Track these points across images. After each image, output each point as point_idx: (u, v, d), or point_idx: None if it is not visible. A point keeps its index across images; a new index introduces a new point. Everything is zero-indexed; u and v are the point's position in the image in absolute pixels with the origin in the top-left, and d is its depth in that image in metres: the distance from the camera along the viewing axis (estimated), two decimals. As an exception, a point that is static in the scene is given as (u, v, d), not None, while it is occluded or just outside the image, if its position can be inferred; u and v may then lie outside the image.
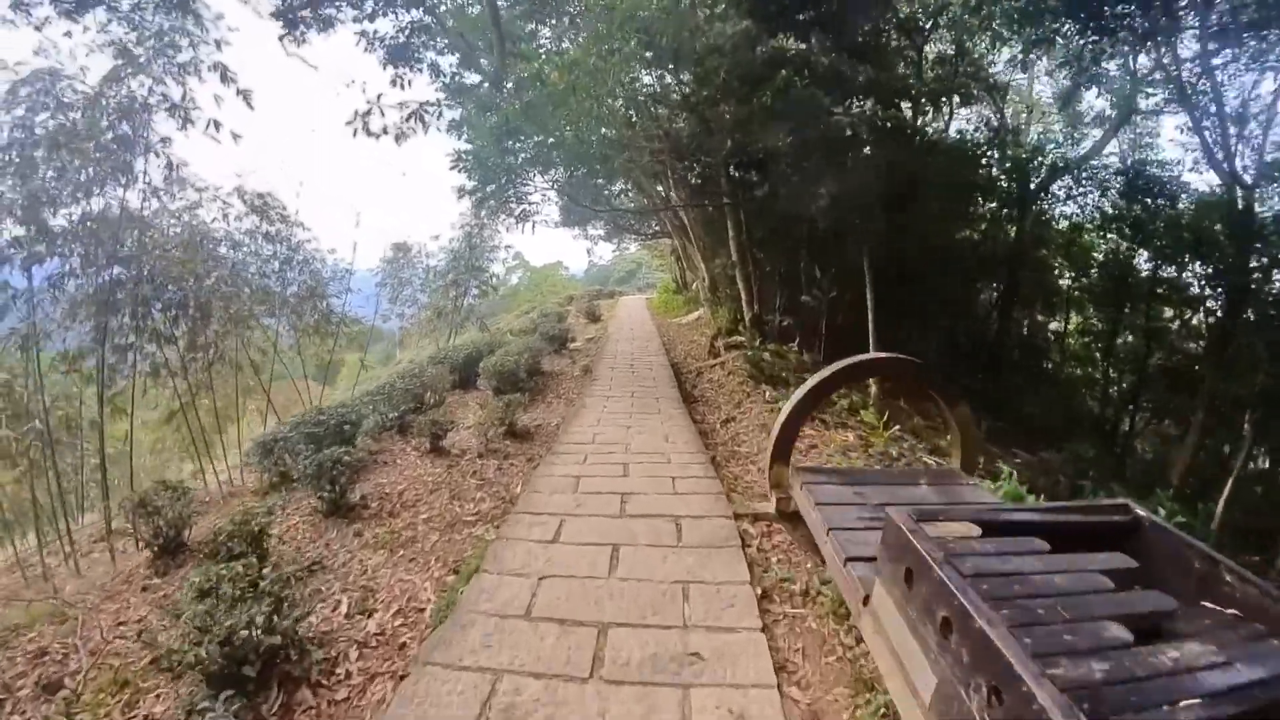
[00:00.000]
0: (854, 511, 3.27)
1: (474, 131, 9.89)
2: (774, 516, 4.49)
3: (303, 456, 7.07)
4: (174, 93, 11.41)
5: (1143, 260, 17.75)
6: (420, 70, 9.19)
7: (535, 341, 13.12)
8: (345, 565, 5.23)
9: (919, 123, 10.12)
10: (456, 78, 9.56)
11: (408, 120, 8.29)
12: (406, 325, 20.31)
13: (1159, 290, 17.28)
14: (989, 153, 12.69)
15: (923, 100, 8.96)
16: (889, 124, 7.36)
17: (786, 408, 4.26)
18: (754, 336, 12.54)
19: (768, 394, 8.68)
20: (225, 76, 11.26)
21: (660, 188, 16.27)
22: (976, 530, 2.10)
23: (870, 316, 9.09)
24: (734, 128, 8.94)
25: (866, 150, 8.48)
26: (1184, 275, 16.85)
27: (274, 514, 6.73)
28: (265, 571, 3.94)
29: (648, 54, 10.44)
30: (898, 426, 7.70)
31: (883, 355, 4.49)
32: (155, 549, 6.10)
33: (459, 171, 10.14)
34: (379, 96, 8.17)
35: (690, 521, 4.67)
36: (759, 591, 3.71)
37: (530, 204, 11.94)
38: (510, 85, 9.96)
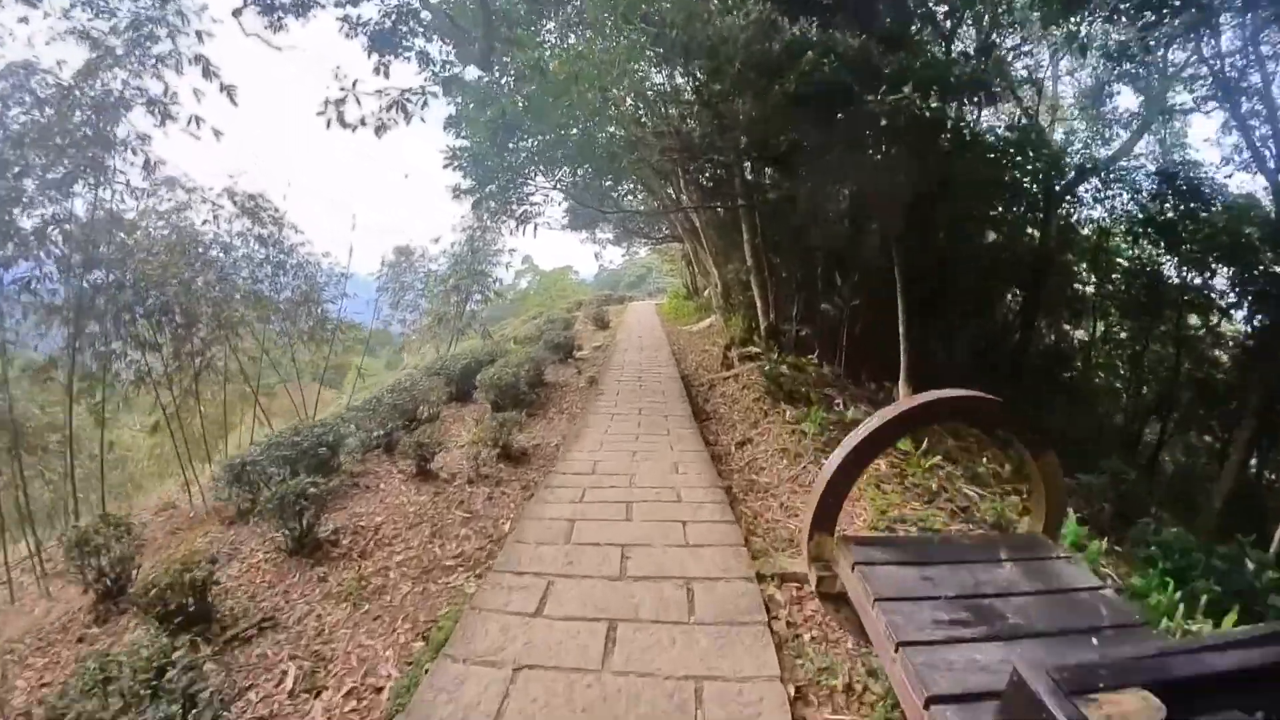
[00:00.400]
0: (927, 610, 2.46)
1: (470, 127, 9.16)
2: (809, 589, 3.66)
3: (275, 481, 6.39)
4: (153, 87, 10.75)
5: (1173, 266, 16.89)
6: (408, 58, 8.41)
7: (538, 351, 12.38)
8: (301, 621, 4.48)
9: (956, 115, 9.29)
10: (448, 66, 8.81)
11: (388, 110, 7.51)
12: (408, 332, 19.65)
13: (1187, 297, 16.39)
14: (1016, 151, 11.85)
15: (962, 91, 8.14)
16: (928, 113, 6.57)
17: (832, 463, 3.35)
18: (770, 347, 11.76)
19: (788, 413, 7.89)
20: (208, 70, 10.53)
21: (670, 189, 15.49)
22: (1158, 708, 1.32)
23: (902, 328, 8.29)
24: (750, 123, 8.18)
25: (901, 143, 7.68)
26: (1215, 281, 15.97)
27: (238, 550, 6.03)
28: (177, 655, 3.19)
29: (656, 49, 9.73)
30: (937, 457, 6.91)
31: (959, 394, 3.55)
32: (97, 592, 5.40)
33: (454, 170, 9.43)
34: (354, 83, 7.40)
35: (705, 585, 3.87)
36: (792, 691, 2.92)
37: (532, 205, 11.23)
38: (507, 78, 9.22)
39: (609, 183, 13.85)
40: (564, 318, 22.51)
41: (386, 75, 7.57)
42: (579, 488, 5.78)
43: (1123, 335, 18.67)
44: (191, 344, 14.19)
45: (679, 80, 14.65)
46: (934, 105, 6.75)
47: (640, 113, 13.46)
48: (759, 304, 12.23)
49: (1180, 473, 17.52)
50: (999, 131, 12.37)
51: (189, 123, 10.74)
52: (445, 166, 9.36)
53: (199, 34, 10.53)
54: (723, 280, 15.78)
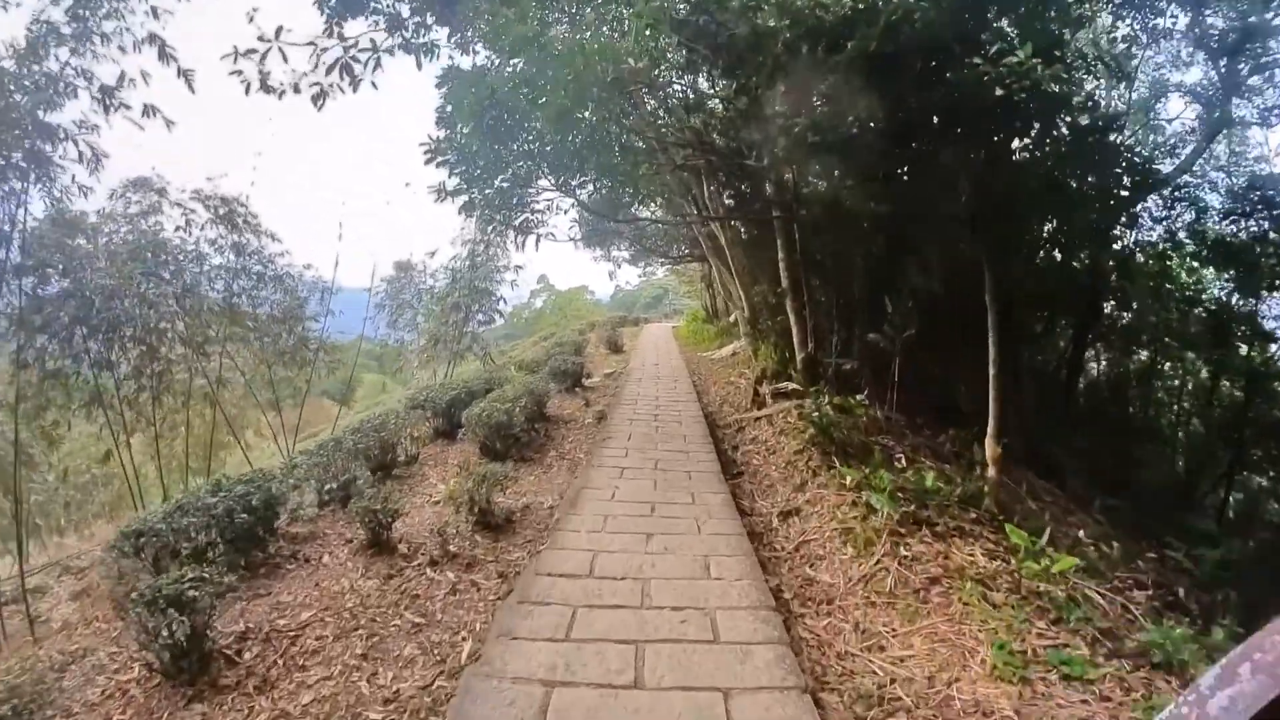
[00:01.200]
0: None
1: (455, 111, 7.60)
2: None
3: (186, 551, 4.86)
4: (101, 70, 9.33)
5: (1244, 292, 15.13)
6: (376, 20, 6.83)
7: (539, 383, 10.72)
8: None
9: (1085, 94, 7.57)
10: (423, 32, 7.24)
11: (329, 72, 5.94)
12: (406, 354, 18.11)
13: (1258, 329, 14.62)
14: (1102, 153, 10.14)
15: (1087, 64, 6.42)
16: (1054, 86, 4.94)
17: None
18: (807, 382, 10.06)
19: (847, 478, 6.17)
20: (164, 53, 9.01)
21: (692, 201, 13.87)
22: None
23: (992, 369, 6.55)
24: (799, 107, 6.56)
25: (1012, 126, 6.03)
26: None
27: (105, 665, 4.40)
28: None
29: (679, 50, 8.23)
30: (1054, 547, 5.20)
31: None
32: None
33: (436, 166, 7.88)
34: (278, 31, 5.79)
35: None
36: None
37: (535, 213, 9.62)
38: (499, 54, 7.66)
39: (625, 191, 12.23)
40: (574, 341, 20.87)
41: (340, 36, 5.96)
42: (567, 605, 4.02)
43: (1185, 370, 16.90)
44: (153, 364, 12.71)
45: (703, 84, 13.12)
46: (1062, 76, 5.11)
47: (661, 120, 11.92)
48: (795, 331, 10.55)
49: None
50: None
51: (146, 114, 9.29)
52: (427, 161, 7.80)
53: (154, 10, 9.04)
54: (749, 303, 14.12)
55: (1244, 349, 15.05)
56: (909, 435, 8.56)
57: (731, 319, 15.18)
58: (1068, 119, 6.22)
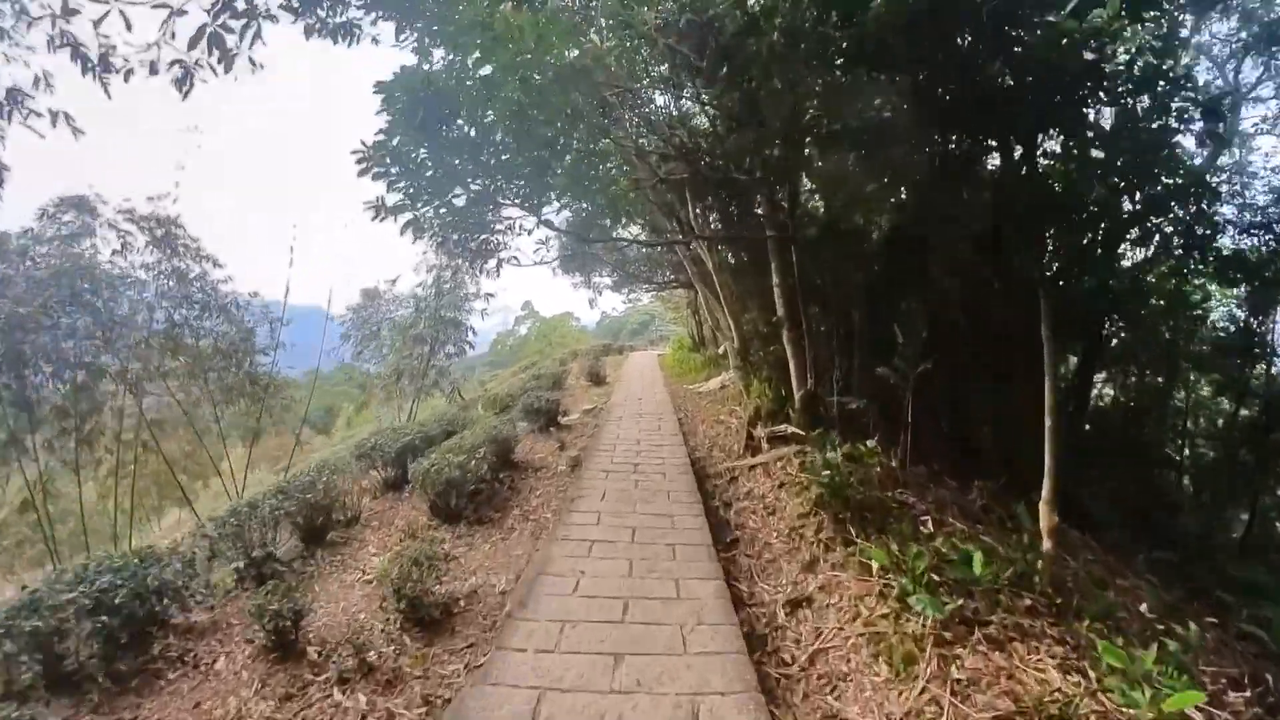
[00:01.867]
0: None
1: (391, 111, 6.41)
2: None
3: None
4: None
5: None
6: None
7: (504, 426, 9.50)
8: None
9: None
10: (340, 9, 6.01)
11: (192, 46, 4.72)
12: (371, 389, 16.81)
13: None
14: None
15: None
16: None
17: None
18: (807, 424, 8.88)
19: (871, 561, 4.94)
20: (76, 55, 7.78)
21: (678, 219, 12.74)
22: None
23: (1049, 420, 5.36)
24: (796, 106, 5.46)
25: (1079, 112, 4.93)
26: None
27: None
28: None
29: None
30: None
31: None
32: None
33: (373, 178, 6.65)
34: None
35: None
36: None
37: (495, 234, 8.39)
38: (451, 56, 6.51)
39: (601, 209, 11.07)
40: (553, 373, 19.61)
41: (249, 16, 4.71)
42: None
43: (1191, 391, 15.88)
44: (79, 403, 11.41)
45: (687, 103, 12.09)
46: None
47: (640, 131, 10.84)
48: (792, 365, 9.38)
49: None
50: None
51: (57, 120, 8.07)
52: (361, 173, 6.58)
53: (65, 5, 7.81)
54: (739, 333, 12.96)
55: (1259, 369, 14.14)
56: (930, 488, 7.37)
57: (721, 350, 14.02)
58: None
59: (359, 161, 6.51)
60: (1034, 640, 4.26)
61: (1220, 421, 15.76)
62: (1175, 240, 11.62)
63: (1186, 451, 15.70)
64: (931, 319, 9.24)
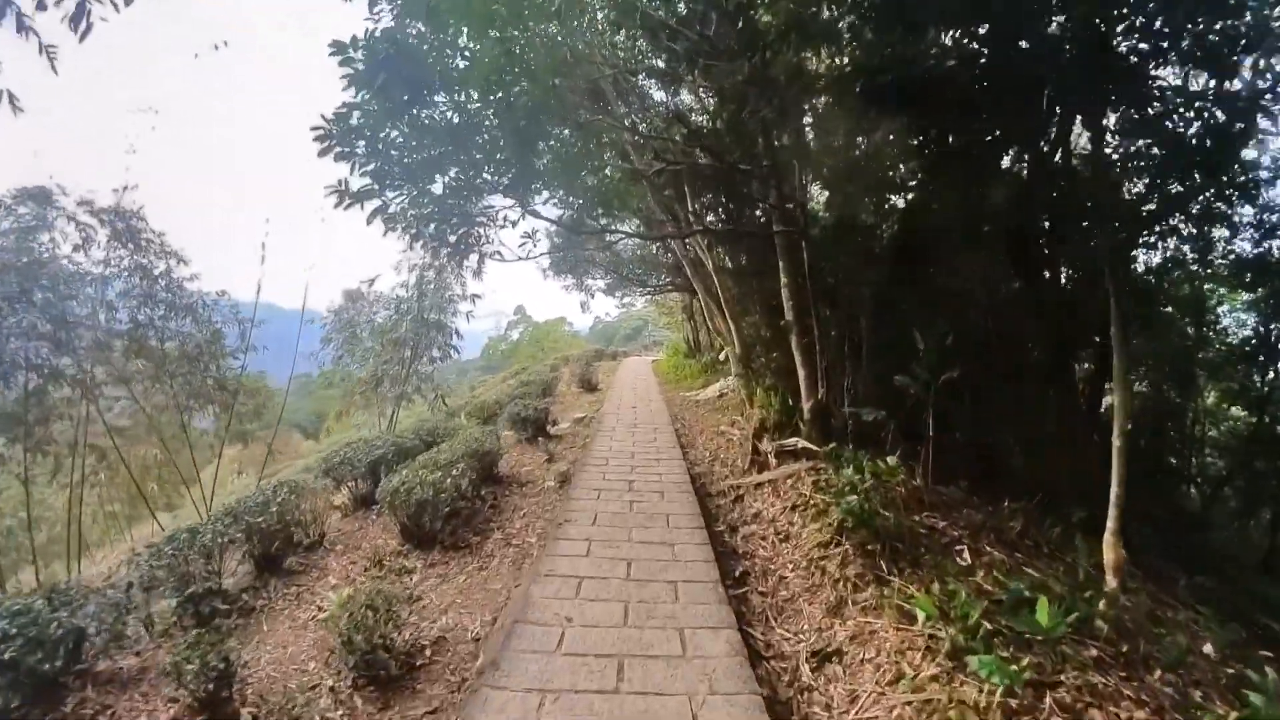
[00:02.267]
0: None
1: (354, 81, 5.60)
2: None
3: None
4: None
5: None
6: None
7: (488, 438, 8.69)
8: None
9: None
10: None
11: None
12: (351, 395, 15.95)
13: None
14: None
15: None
16: None
17: None
18: (819, 438, 8.13)
19: (916, 610, 4.17)
20: (21, 25, 6.98)
21: (676, 217, 11.97)
22: None
23: (1117, 437, 4.61)
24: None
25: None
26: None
27: None
28: None
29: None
30: None
31: None
32: None
33: (335, 158, 5.86)
34: None
35: None
36: None
37: (478, 226, 7.57)
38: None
39: (591, 201, 10.26)
40: (543, 379, 18.80)
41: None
42: None
43: (1210, 403, 15.22)
44: (29, 410, 10.57)
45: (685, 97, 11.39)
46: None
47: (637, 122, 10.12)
48: (802, 373, 8.61)
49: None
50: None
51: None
52: (322, 152, 5.76)
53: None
54: (740, 338, 12.20)
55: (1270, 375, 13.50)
56: (960, 510, 6.61)
57: (721, 355, 13.25)
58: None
59: (318, 139, 5.73)
60: (1110, 704, 3.52)
61: (1223, 429, 15.16)
62: (1194, 241, 10.89)
63: (1193, 461, 15.04)
64: (969, 325, 8.56)
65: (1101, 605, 4.54)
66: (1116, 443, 4.60)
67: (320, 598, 5.85)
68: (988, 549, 5.72)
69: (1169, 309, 13.78)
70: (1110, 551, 4.60)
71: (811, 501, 6.49)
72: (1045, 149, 9.35)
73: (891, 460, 7.09)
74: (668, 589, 4.78)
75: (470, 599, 5.37)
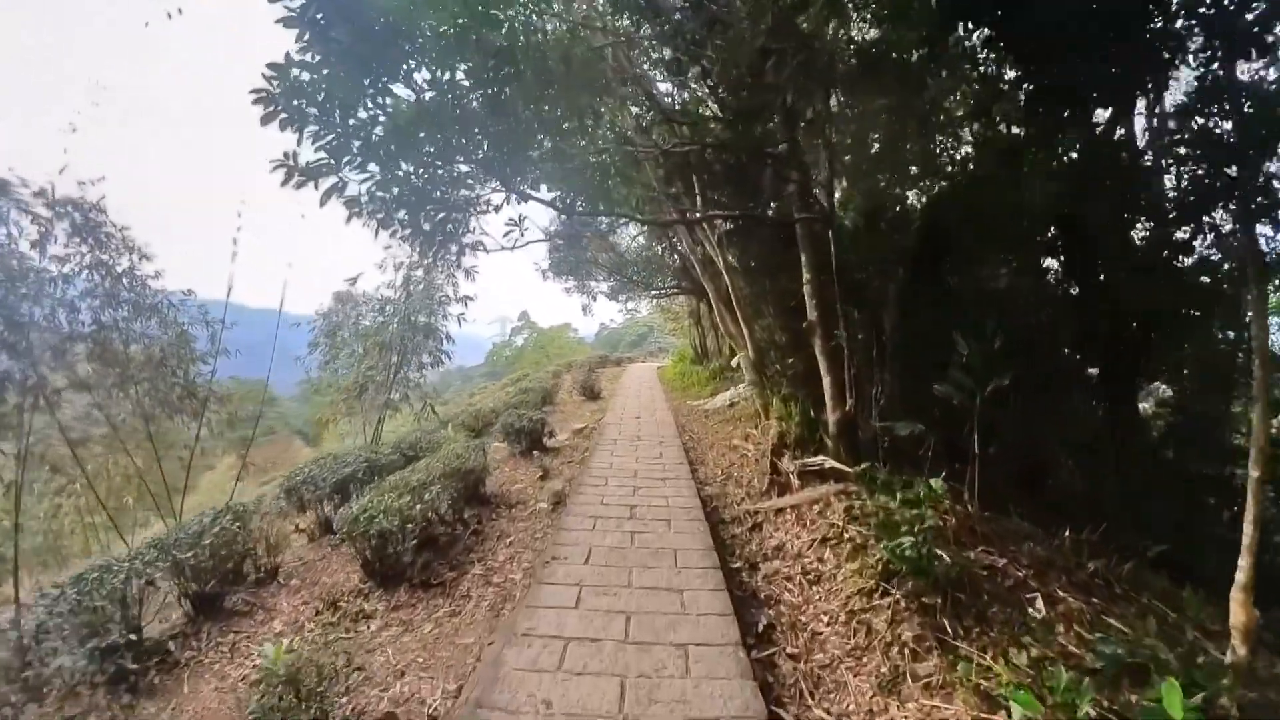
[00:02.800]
0: None
1: (300, 24, 4.62)
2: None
3: None
4: None
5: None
6: None
7: (472, 454, 7.72)
8: None
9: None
10: None
11: None
12: (335, 404, 14.97)
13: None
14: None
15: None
16: None
17: None
18: (848, 455, 7.16)
19: (991, 679, 3.22)
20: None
21: (684, 208, 10.99)
22: None
23: (1257, 461, 3.64)
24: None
25: None
26: None
27: None
28: None
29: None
30: None
31: None
32: None
33: (280, 125, 4.89)
34: None
35: None
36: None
37: (456, 212, 6.56)
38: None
39: (591, 195, 9.28)
40: (543, 387, 17.84)
41: None
42: None
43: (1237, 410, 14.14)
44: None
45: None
46: None
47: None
48: (826, 380, 7.64)
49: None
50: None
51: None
52: (265, 119, 4.81)
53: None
54: (753, 342, 11.22)
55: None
56: (1018, 543, 5.62)
57: (734, 361, 12.26)
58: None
59: (257, 101, 4.79)
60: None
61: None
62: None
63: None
64: (1015, 324, 7.60)
65: (1226, 681, 3.55)
66: (1254, 473, 3.61)
67: (262, 648, 4.91)
68: (1060, 593, 4.74)
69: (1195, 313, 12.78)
70: (1241, 611, 3.61)
71: (845, 534, 5.52)
72: (1103, 127, 8.42)
73: (936, 483, 6.10)
74: (676, 656, 3.81)
75: (434, 657, 4.41)
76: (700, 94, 10.26)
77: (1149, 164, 8.52)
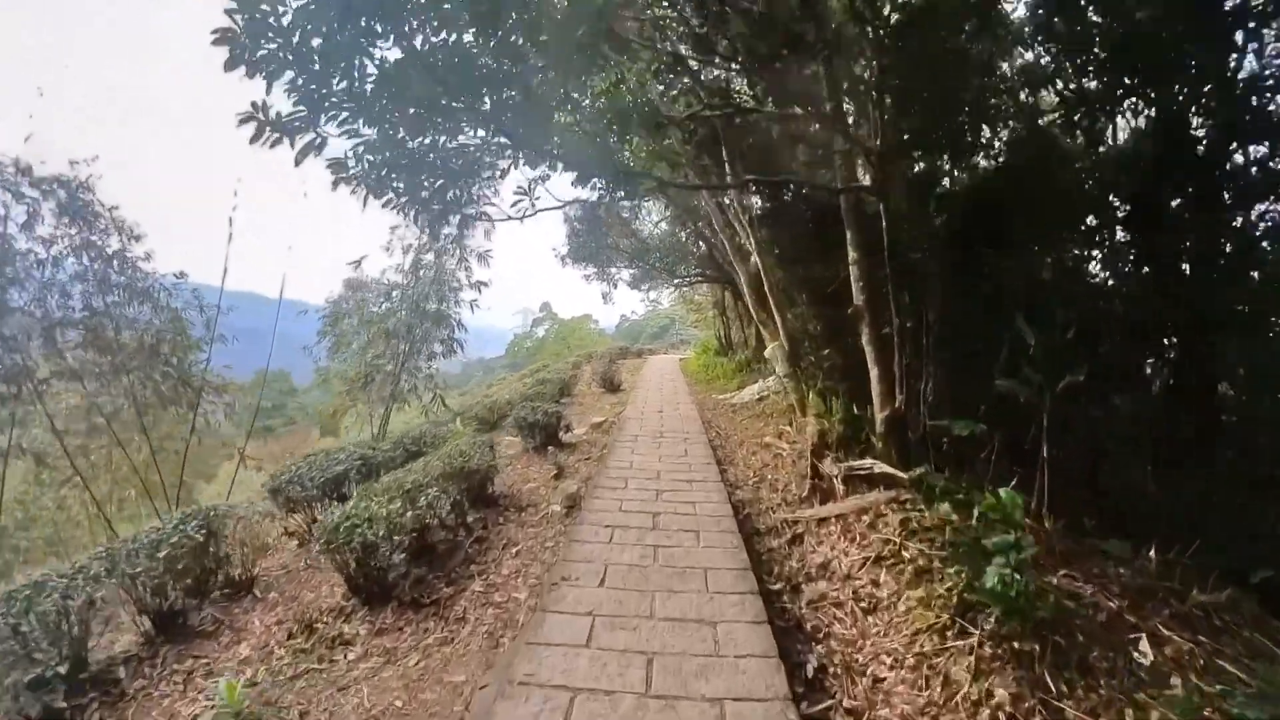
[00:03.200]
0: None
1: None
2: None
3: None
4: None
5: None
6: None
7: (478, 451, 7.01)
8: None
9: None
10: None
11: None
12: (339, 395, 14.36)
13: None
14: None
15: None
16: None
17: None
18: (899, 457, 6.36)
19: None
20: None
21: (713, 176, 10.18)
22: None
23: None
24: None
25: None
26: None
27: None
28: None
29: None
30: None
31: None
32: None
33: (248, 70, 4.16)
34: None
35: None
36: None
37: (460, 179, 5.82)
38: None
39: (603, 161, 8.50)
40: (561, 378, 17.12)
41: None
42: None
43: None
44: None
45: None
46: None
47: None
48: (874, 373, 6.84)
49: None
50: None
51: None
52: (229, 64, 4.08)
53: None
54: (787, 331, 10.42)
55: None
56: (1098, 563, 4.81)
57: (766, 352, 11.44)
58: None
59: (218, 41, 4.08)
60: None
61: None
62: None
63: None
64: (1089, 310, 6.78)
65: None
66: None
67: (224, 674, 4.25)
68: (1163, 629, 3.95)
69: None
70: None
71: (904, 553, 4.74)
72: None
73: (1007, 493, 5.30)
74: (710, 715, 3.06)
75: (416, 700, 3.71)
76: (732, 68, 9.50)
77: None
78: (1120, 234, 8.55)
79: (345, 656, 4.33)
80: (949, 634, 3.70)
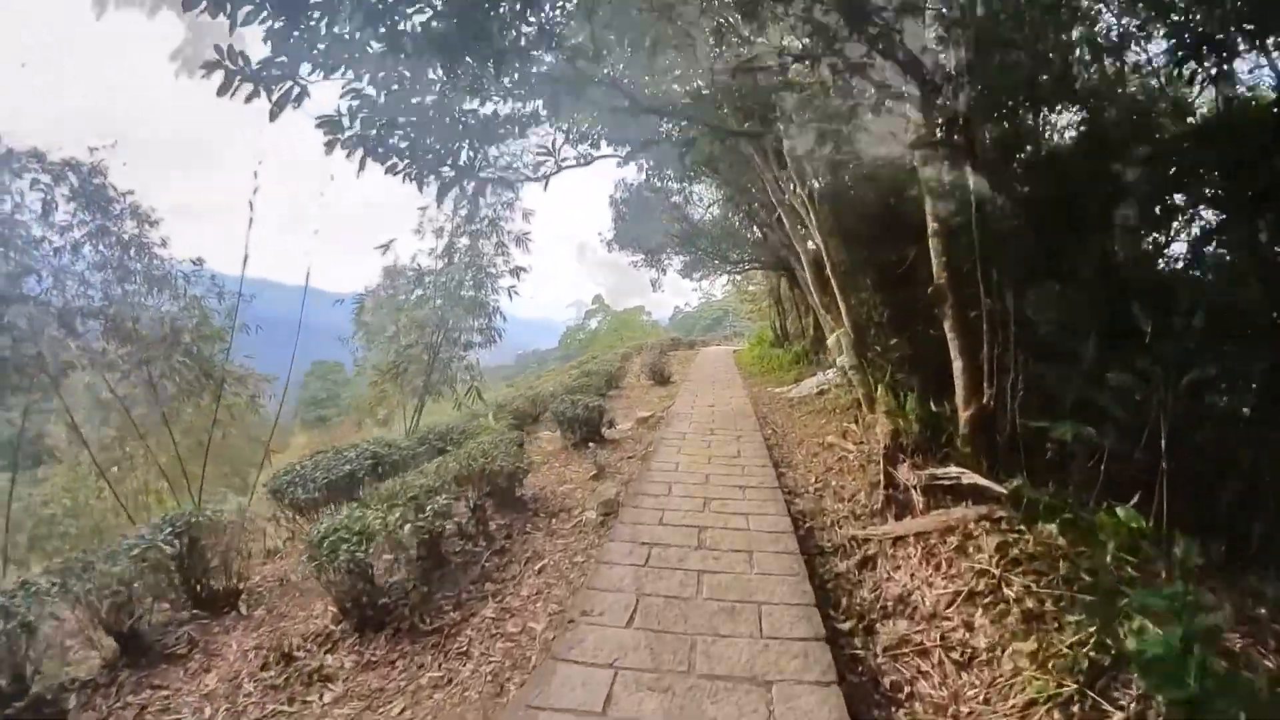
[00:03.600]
0: None
1: None
2: None
3: None
4: None
5: None
6: None
7: (502, 452, 6.29)
8: None
9: None
10: None
11: None
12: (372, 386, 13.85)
13: None
14: None
15: None
16: None
17: None
18: (983, 461, 5.44)
19: None
20: None
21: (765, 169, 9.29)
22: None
23: None
24: None
25: None
26: None
27: None
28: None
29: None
30: None
31: None
32: None
33: (209, 7, 3.49)
34: None
35: None
36: None
37: (473, 141, 5.04)
38: None
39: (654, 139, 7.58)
40: (607, 370, 16.40)
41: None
42: None
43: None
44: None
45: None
46: None
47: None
48: (958, 365, 5.92)
49: None
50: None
51: None
52: (187, 5, 3.41)
53: None
54: (852, 319, 9.49)
55: None
56: (1238, 598, 3.86)
57: (829, 341, 10.52)
58: None
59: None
60: None
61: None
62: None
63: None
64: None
65: None
66: None
67: (186, 705, 3.64)
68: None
69: None
70: None
71: (1005, 588, 3.86)
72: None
73: (1126, 513, 4.36)
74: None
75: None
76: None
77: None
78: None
79: (320, 697, 3.65)
80: (1075, 710, 2.83)
